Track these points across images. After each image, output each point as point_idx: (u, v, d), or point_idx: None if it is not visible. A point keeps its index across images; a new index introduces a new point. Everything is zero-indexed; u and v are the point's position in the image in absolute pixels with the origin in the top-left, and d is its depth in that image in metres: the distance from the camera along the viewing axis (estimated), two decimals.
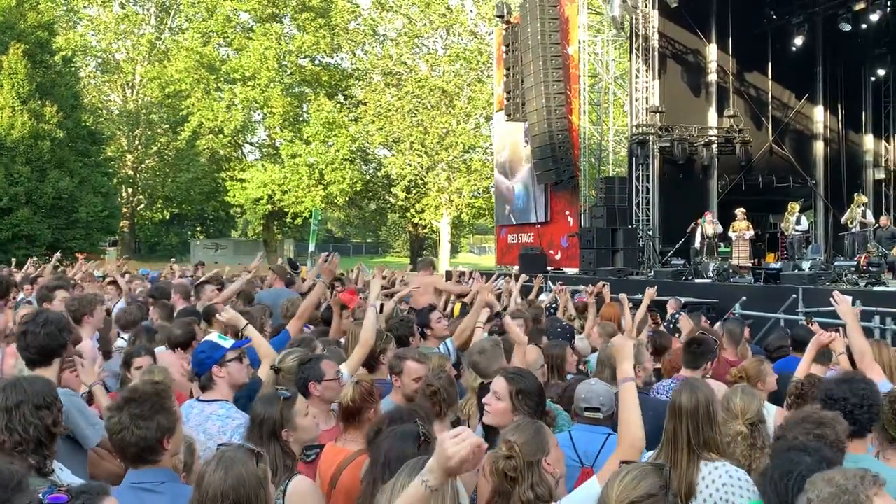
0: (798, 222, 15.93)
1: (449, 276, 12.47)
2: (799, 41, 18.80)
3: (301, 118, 41.00)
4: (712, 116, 19.39)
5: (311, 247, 25.86)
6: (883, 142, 21.40)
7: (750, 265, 15.66)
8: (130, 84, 42.80)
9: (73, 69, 35.38)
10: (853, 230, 15.33)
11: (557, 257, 21.11)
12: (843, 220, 16.09)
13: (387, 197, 42.35)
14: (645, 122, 18.69)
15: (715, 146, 19.14)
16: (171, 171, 41.75)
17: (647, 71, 18.70)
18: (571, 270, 19.15)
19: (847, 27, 17.88)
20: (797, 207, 16.16)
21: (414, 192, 39.61)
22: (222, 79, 40.29)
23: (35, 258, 16.34)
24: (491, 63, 31.21)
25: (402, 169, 38.06)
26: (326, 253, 5.55)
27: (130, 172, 41.77)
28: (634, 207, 18.72)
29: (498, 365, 3.90)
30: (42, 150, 29.95)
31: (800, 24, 18.66)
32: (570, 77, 20.52)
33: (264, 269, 12.03)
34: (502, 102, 23.71)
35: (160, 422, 2.48)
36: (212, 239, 46.80)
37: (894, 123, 21.19)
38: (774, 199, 18.98)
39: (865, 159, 21.44)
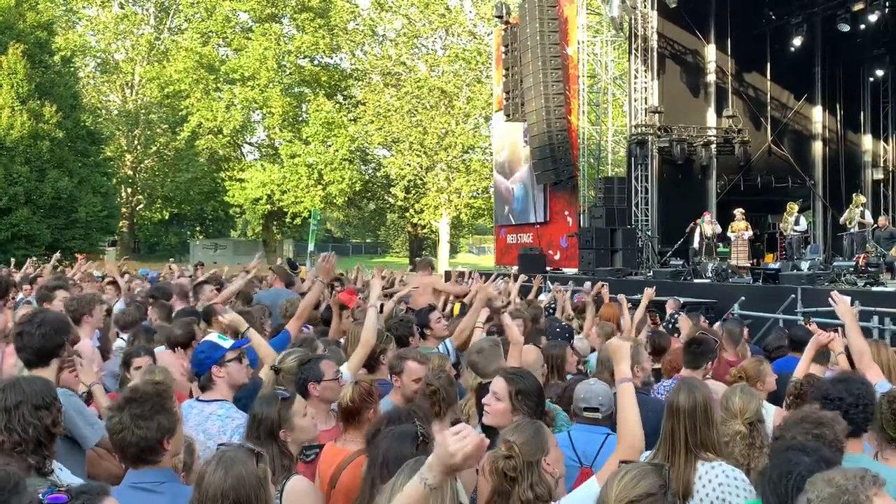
0: (797, 222, 15.94)
1: (448, 276, 12.47)
2: (798, 41, 18.82)
3: (300, 118, 41.01)
4: (711, 117, 19.41)
5: (311, 247, 25.84)
6: (881, 142, 21.42)
7: (748, 265, 15.67)
8: (130, 84, 42.79)
9: (72, 69, 35.36)
10: (852, 230, 15.34)
11: (556, 257, 21.11)
12: (841, 220, 16.10)
13: (386, 197, 42.35)
14: (644, 123, 18.70)
15: (714, 146, 19.16)
16: (170, 171, 41.74)
17: (645, 71, 18.71)
18: (570, 270, 19.15)
19: (846, 28, 17.89)
20: (796, 208, 16.17)
21: (413, 192, 39.61)
22: (221, 79, 40.30)
23: (34, 258, 16.32)
24: (490, 63, 31.22)
25: (402, 169, 38.07)
26: (325, 253, 5.55)
27: (130, 172, 41.75)
28: (633, 207, 18.73)
29: (496, 365, 3.90)
30: (41, 150, 29.92)
31: (798, 24, 18.68)
32: (569, 77, 20.53)
33: (264, 270, 12.03)
34: (501, 103, 23.72)
35: (161, 422, 2.49)
36: (211, 239, 46.78)
37: (893, 124, 21.22)
38: (773, 200, 18.99)
39: (864, 160, 21.46)
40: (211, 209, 46.07)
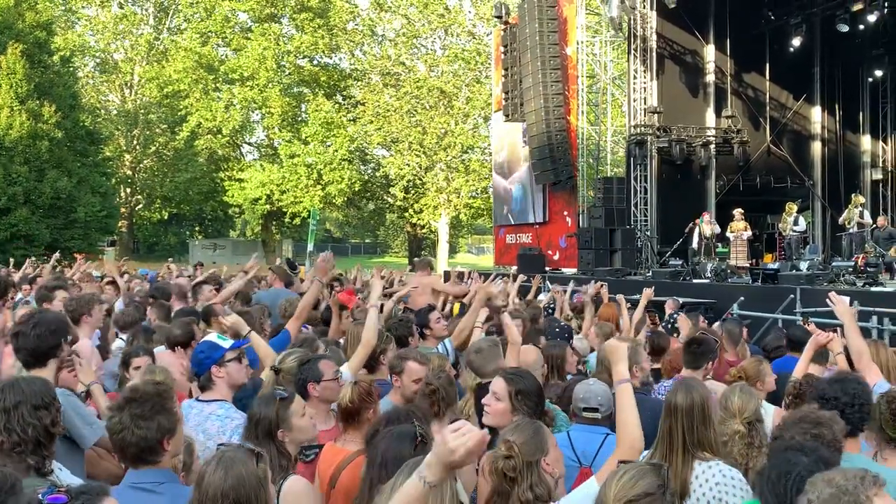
0: (796, 223, 15.95)
1: (447, 276, 12.46)
2: (797, 42, 18.83)
3: (299, 118, 41.01)
4: (710, 117, 19.42)
5: (310, 247, 25.81)
6: (880, 142, 21.44)
7: (748, 265, 15.68)
8: (129, 84, 42.78)
9: (71, 69, 35.33)
10: (851, 230, 15.36)
11: (556, 257, 21.12)
12: (840, 220, 16.12)
13: (385, 197, 42.35)
14: (643, 123, 18.71)
15: (713, 146, 19.17)
16: (169, 171, 41.72)
17: (645, 71, 18.72)
18: (570, 271, 19.16)
19: (845, 28, 17.90)
20: (795, 208, 16.19)
21: (412, 192, 39.62)
22: (221, 79, 40.29)
23: (33, 258, 16.31)
24: (489, 63, 31.23)
25: (401, 169, 38.07)
26: (324, 253, 5.56)
27: (129, 172, 41.74)
28: (632, 208, 18.74)
29: (494, 364, 3.90)
30: (40, 150, 29.90)
31: (798, 24, 18.69)
32: (568, 77, 20.54)
33: (264, 270, 12.01)
34: (500, 103, 23.73)
35: (161, 422, 2.49)
36: (210, 239, 46.76)
37: (892, 124, 21.24)
38: (772, 200, 19.01)
39: (863, 160, 21.48)
40: (210, 209, 46.06)
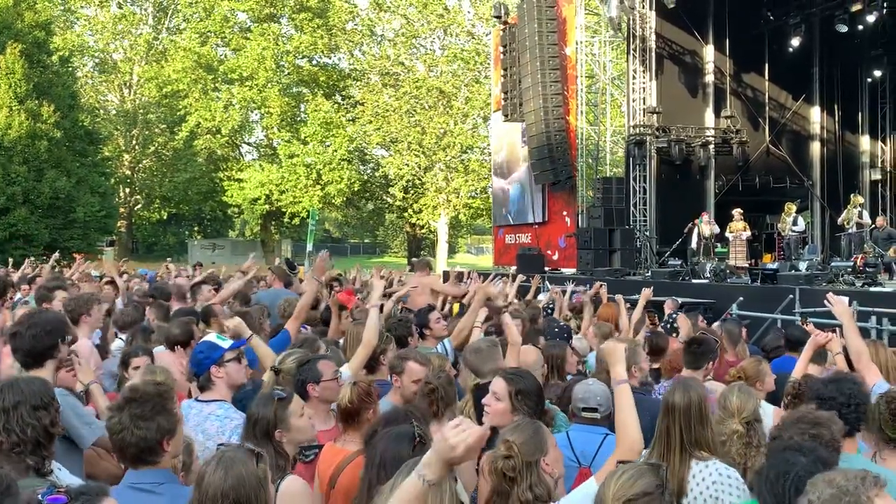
0: (795, 223, 15.97)
1: (447, 276, 12.46)
2: (796, 42, 18.85)
3: (298, 118, 40.99)
4: (709, 117, 19.43)
5: (309, 247, 25.82)
6: (879, 143, 21.46)
7: (747, 266, 15.70)
8: (128, 84, 42.76)
9: (70, 69, 35.32)
10: (850, 231, 15.36)
11: (555, 257, 21.12)
12: (839, 220, 16.13)
13: (384, 197, 42.35)
14: (642, 123, 18.71)
15: (712, 147, 19.18)
16: (168, 171, 41.70)
17: (644, 72, 18.73)
18: (569, 271, 19.16)
19: (844, 28, 17.92)
20: (794, 208, 16.21)
21: (411, 192, 39.61)
22: (220, 79, 40.25)
23: (32, 258, 16.31)
24: (488, 63, 31.22)
25: (400, 169, 38.07)
26: (321, 252, 5.57)
27: (128, 172, 41.72)
28: (631, 208, 18.75)
29: (492, 364, 3.89)
30: (39, 150, 29.89)
31: (796, 25, 18.71)
32: (567, 78, 20.54)
33: (263, 270, 12.01)
34: (500, 103, 23.72)
35: (160, 423, 2.49)
36: (209, 239, 46.75)
37: (890, 124, 21.26)
38: (771, 200, 19.02)
39: (862, 160, 21.50)
40: (209, 209, 46.05)
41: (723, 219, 16.96)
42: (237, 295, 7.24)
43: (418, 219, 39.92)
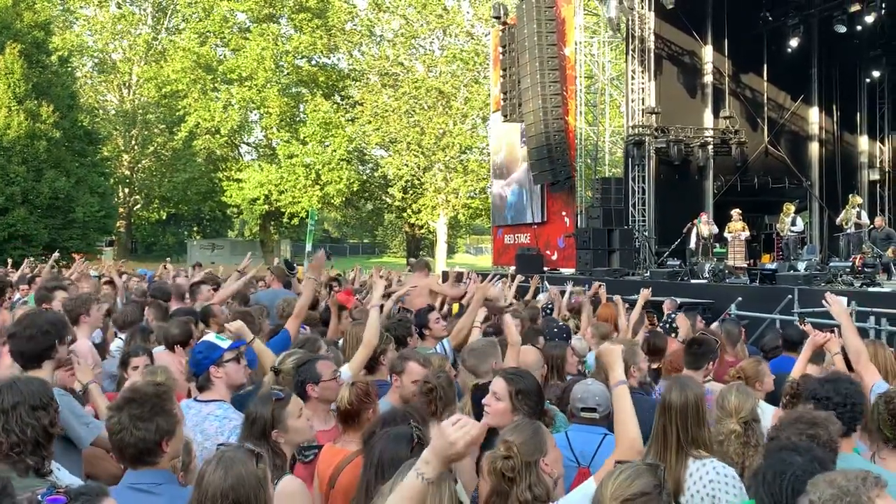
0: (793, 223, 15.99)
1: (445, 276, 12.46)
2: (794, 43, 18.87)
3: (298, 118, 40.98)
4: (708, 117, 19.45)
5: (308, 247, 25.78)
6: (878, 143, 21.50)
7: (745, 266, 15.72)
8: (127, 84, 42.73)
9: (69, 69, 35.27)
10: (848, 231, 15.38)
11: (554, 258, 21.13)
12: (838, 220, 16.15)
13: (383, 197, 42.35)
14: (641, 123, 18.73)
15: (711, 147, 19.20)
16: (167, 172, 41.67)
17: (643, 72, 18.74)
18: (568, 271, 19.17)
19: (842, 29, 17.95)
20: (792, 208, 16.23)
21: (410, 192, 39.61)
22: (219, 79, 40.23)
23: (31, 258, 16.30)
24: (487, 64, 31.22)
25: (399, 169, 38.07)
26: (318, 251, 5.57)
27: (127, 172, 41.69)
28: (630, 208, 18.76)
29: (489, 365, 3.90)
30: (38, 150, 29.85)
31: (795, 25, 18.73)
32: (566, 78, 20.55)
33: (263, 270, 12.00)
34: (499, 103, 23.73)
35: (160, 424, 2.49)
36: (208, 239, 46.72)
37: (889, 125, 21.29)
38: (770, 200, 19.05)
39: (860, 160, 21.53)
40: (208, 209, 46.01)
41: (721, 219, 16.97)
42: (236, 295, 7.25)
43: (417, 219, 39.91)
